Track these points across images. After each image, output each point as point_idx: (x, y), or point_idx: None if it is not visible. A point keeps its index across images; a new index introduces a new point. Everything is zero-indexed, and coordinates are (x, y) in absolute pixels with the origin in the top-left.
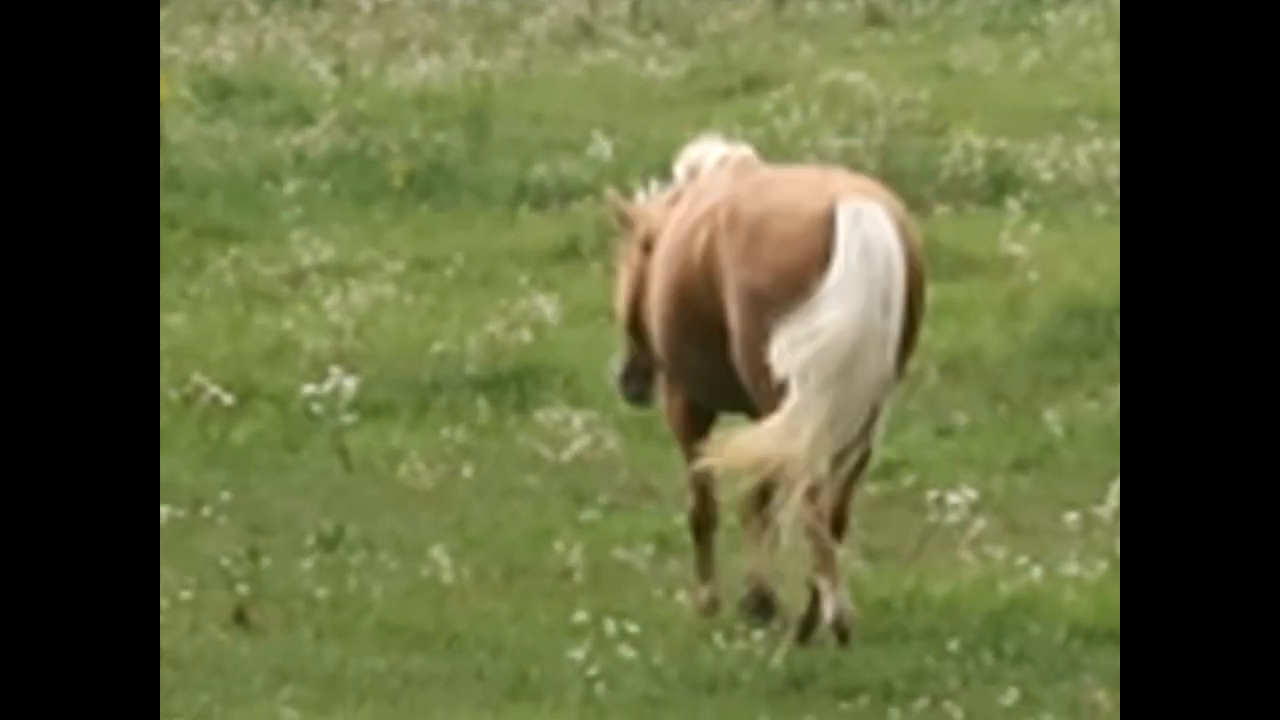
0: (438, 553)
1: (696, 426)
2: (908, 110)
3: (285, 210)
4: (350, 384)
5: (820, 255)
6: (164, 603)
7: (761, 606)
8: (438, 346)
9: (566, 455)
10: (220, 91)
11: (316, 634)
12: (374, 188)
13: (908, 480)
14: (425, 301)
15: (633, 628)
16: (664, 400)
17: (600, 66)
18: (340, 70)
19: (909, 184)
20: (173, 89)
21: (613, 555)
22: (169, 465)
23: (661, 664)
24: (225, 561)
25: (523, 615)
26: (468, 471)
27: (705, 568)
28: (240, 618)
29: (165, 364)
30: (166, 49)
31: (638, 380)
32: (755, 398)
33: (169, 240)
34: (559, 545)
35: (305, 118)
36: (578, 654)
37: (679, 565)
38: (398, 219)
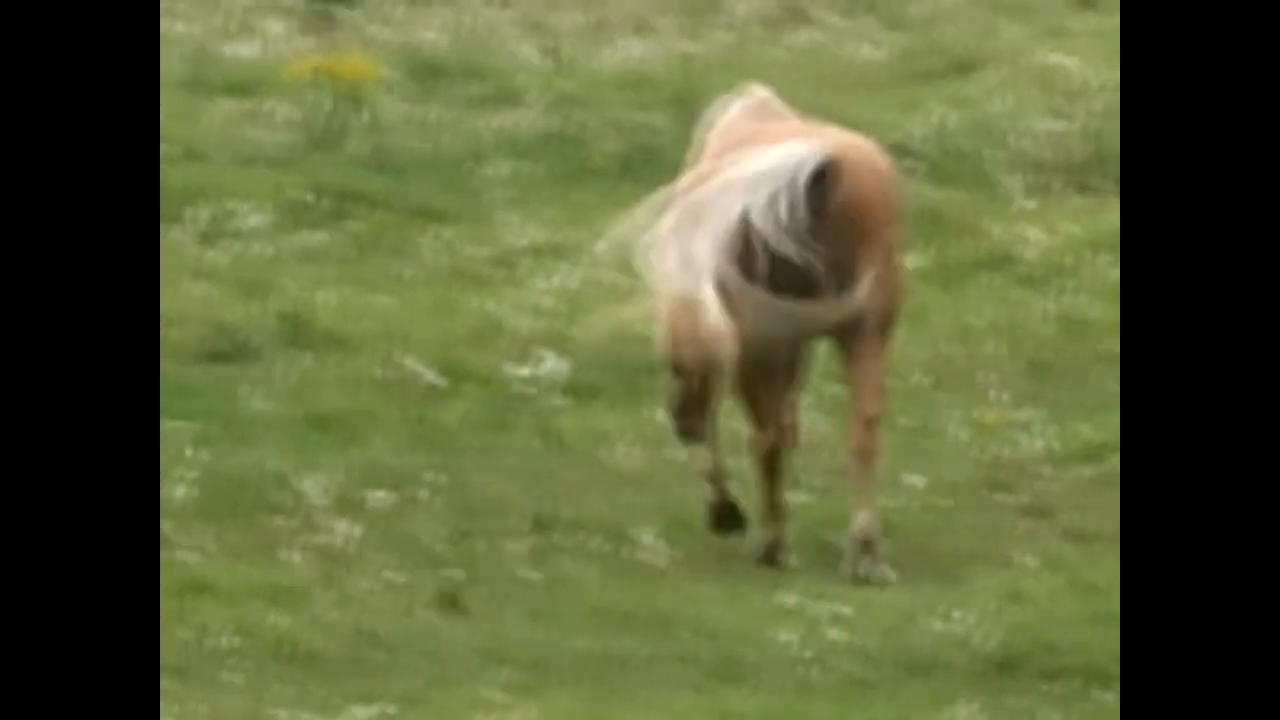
0: (646, 535)
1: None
2: (1118, 93)
3: (493, 191)
4: (559, 366)
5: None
6: (374, 585)
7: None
8: (645, 328)
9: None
10: (428, 72)
11: (526, 616)
12: (581, 169)
13: (1115, 463)
14: (635, 283)
15: (841, 610)
16: None
17: (808, 48)
18: (548, 52)
19: (1117, 167)
20: (381, 70)
21: (821, 538)
22: (377, 447)
23: (869, 646)
24: (435, 544)
25: (731, 598)
26: (676, 454)
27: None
28: (450, 600)
29: (372, 345)
30: (373, 29)
31: (689, 416)
32: None
33: (376, 221)
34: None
35: (513, 99)
36: (786, 636)
37: (889, 548)
38: (605, 200)
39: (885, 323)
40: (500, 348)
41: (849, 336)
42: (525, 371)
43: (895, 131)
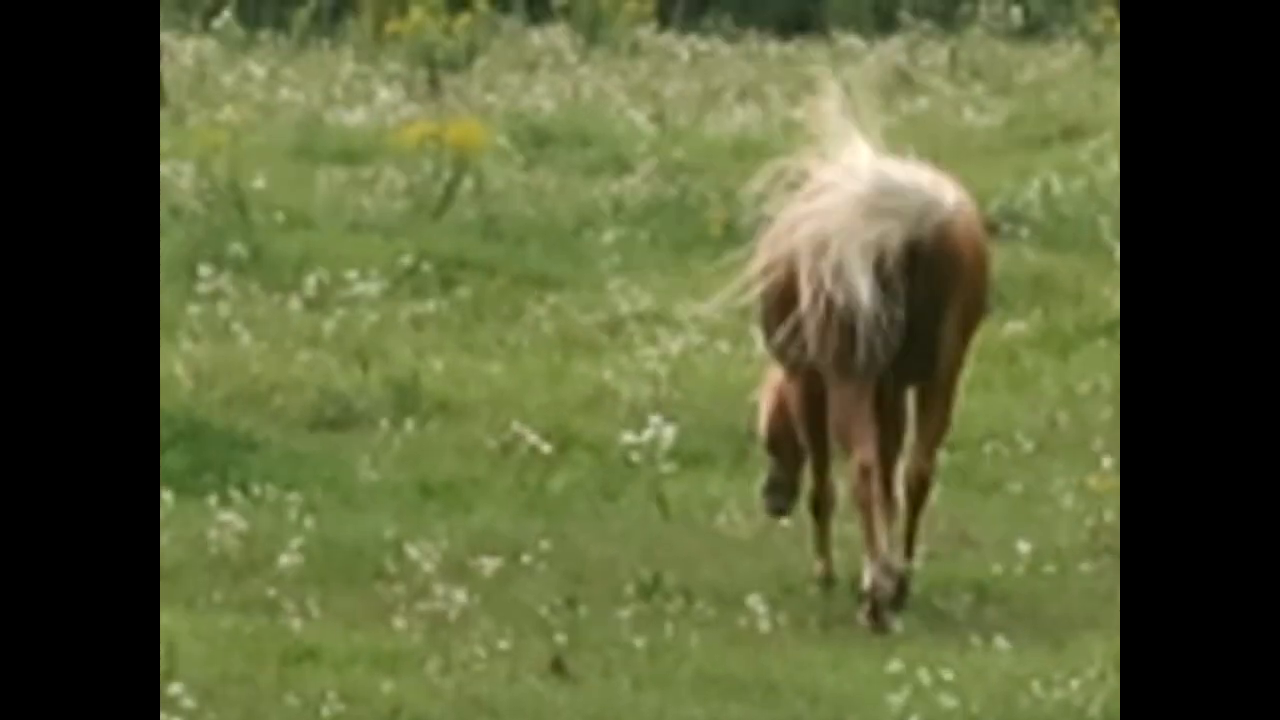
0: (755, 601)
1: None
2: None
3: (603, 258)
4: (669, 432)
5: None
6: (482, 651)
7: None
8: (755, 395)
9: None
10: (538, 139)
11: (634, 683)
12: (691, 236)
13: None
14: (742, 350)
15: (949, 675)
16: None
17: (918, 114)
18: (658, 118)
19: None
20: (491, 137)
21: (930, 603)
22: (487, 514)
23: (979, 711)
24: (543, 610)
25: (840, 664)
26: (785, 520)
27: (823, 544)
28: (558, 666)
29: (483, 412)
30: (485, 97)
31: (780, 496)
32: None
33: (486, 288)
34: None
35: (623, 166)
36: (896, 701)
37: (996, 613)
38: (714, 267)
39: (956, 372)
40: (610, 414)
41: (920, 386)
42: (634, 438)
43: (1006, 197)
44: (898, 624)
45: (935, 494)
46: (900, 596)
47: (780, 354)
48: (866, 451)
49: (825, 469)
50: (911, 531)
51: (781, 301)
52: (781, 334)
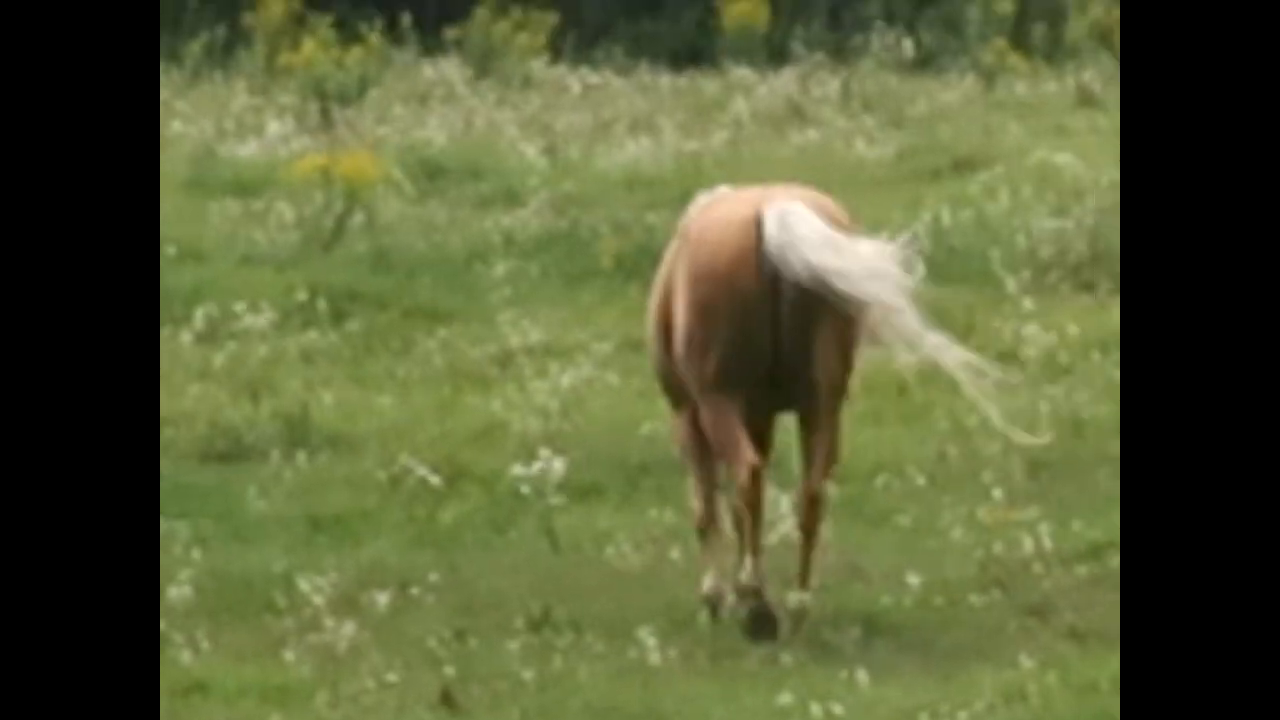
0: (645, 634)
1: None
2: (1118, 191)
3: (494, 291)
4: (559, 465)
5: (749, 253)
6: (371, 684)
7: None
8: (646, 428)
9: (773, 537)
10: (430, 172)
11: (523, 715)
12: (583, 269)
13: (1114, 562)
14: (634, 383)
15: (839, 709)
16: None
17: (809, 146)
18: (549, 151)
19: (1117, 265)
20: (382, 169)
21: (820, 636)
22: (377, 547)
23: None
24: (433, 642)
25: (730, 697)
26: (676, 554)
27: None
28: (447, 699)
29: (373, 445)
30: (377, 130)
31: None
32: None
33: (377, 321)
34: None
35: (514, 199)
36: None
37: (886, 647)
38: (607, 300)
39: (838, 391)
40: (500, 447)
41: (802, 408)
42: (525, 471)
43: (896, 229)
44: (787, 656)
45: (826, 527)
46: (796, 625)
47: (665, 384)
48: (751, 454)
49: (709, 494)
50: (807, 559)
51: (663, 325)
52: (664, 363)
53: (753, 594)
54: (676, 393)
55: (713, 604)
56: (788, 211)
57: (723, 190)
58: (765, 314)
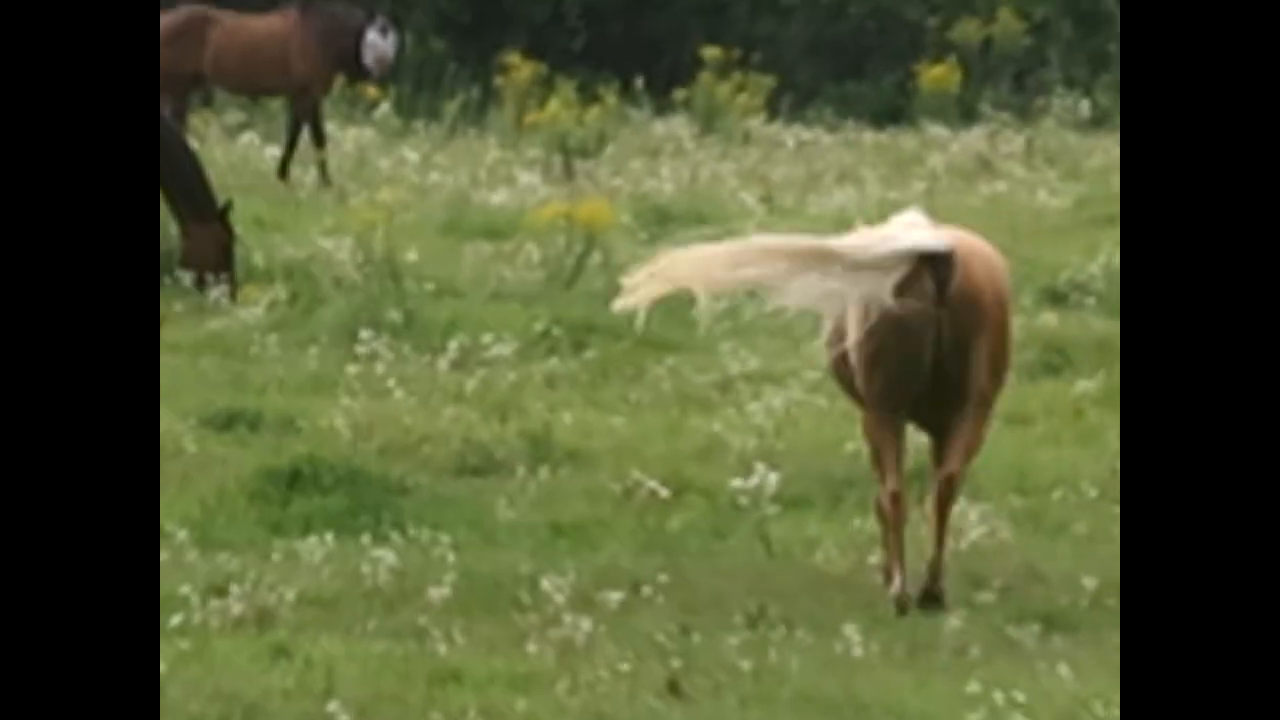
0: (849, 630)
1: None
2: None
3: (716, 326)
4: (773, 479)
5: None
6: (605, 674)
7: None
8: (850, 446)
9: (964, 543)
10: (659, 218)
11: (740, 702)
12: None
13: None
14: (839, 406)
15: (1021, 697)
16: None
17: (997, 196)
18: (766, 199)
19: None
20: (617, 216)
21: (1004, 633)
22: (611, 551)
23: None
24: (660, 637)
25: (923, 686)
26: (875, 558)
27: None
28: (674, 687)
29: (607, 461)
30: (613, 180)
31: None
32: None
33: (612, 350)
34: (955, 622)
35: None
36: (973, 718)
37: (1063, 642)
38: (814, 332)
39: (986, 399)
40: (720, 463)
41: (952, 412)
42: (742, 484)
43: (1074, 270)
44: (975, 650)
45: (1009, 534)
46: (936, 587)
47: (843, 386)
48: (894, 481)
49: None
50: (940, 540)
51: (838, 337)
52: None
53: (902, 603)
54: (855, 393)
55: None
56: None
57: (912, 216)
58: (927, 339)
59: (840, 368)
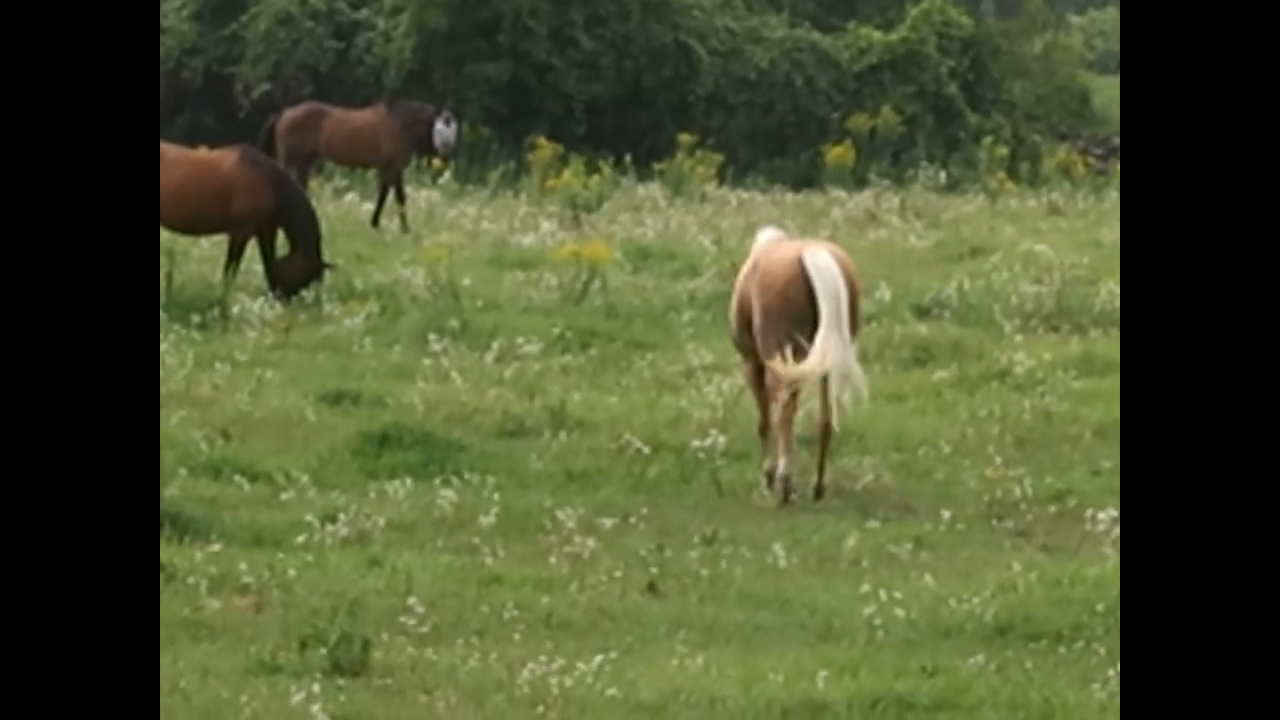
0: (777, 548)
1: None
2: (1075, 269)
3: (682, 331)
4: (722, 440)
5: (797, 279)
6: (604, 578)
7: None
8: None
9: (858, 486)
10: (642, 255)
11: (699, 599)
12: None
13: (1072, 503)
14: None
15: (898, 595)
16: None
17: (880, 240)
18: (717, 242)
19: (1074, 315)
20: (612, 254)
21: (886, 550)
22: (608, 492)
23: (917, 619)
24: (643, 552)
25: (829, 587)
26: (796, 497)
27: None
28: (652, 588)
29: (606, 427)
30: (609, 228)
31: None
32: (760, 353)
33: (609, 349)
34: (851, 543)
35: (694, 272)
36: (866, 611)
37: (929, 556)
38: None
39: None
40: (685, 428)
41: None
42: (700, 443)
43: (935, 293)
44: (865, 561)
45: (889, 479)
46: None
47: (739, 346)
48: (785, 394)
49: (765, 410)
50: (822, 458)
51: (741, 317)
52: (740, 335)
53: (785, 481)
54: (745, 351)
55: (770, 476)
56: (818, 253)
57: (771, 232)
58: (806, 313)
59: (743, 339)
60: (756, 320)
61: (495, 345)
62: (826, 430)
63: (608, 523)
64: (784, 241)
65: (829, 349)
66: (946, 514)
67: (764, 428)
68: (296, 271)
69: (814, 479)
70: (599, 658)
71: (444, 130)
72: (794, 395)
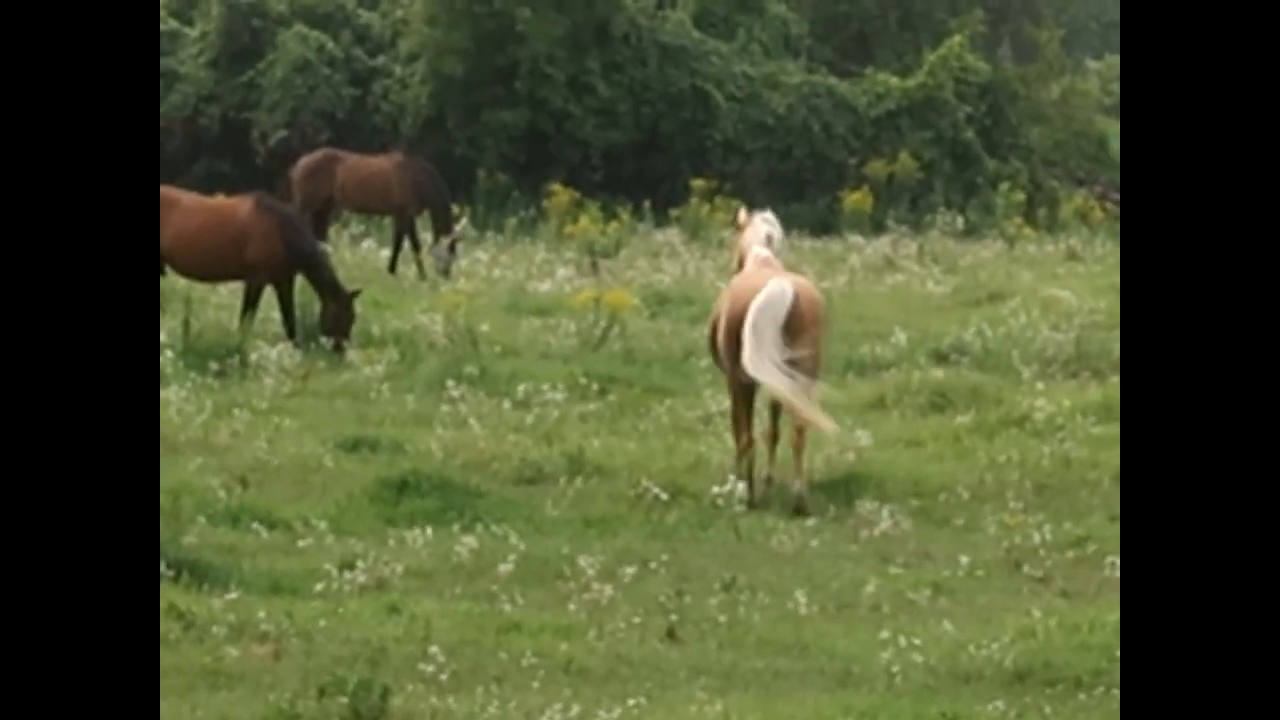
0: (797, 594)
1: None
2: (1093, 314)
3: (700, 376)
4: (741, 487)
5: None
6: (623, 625)
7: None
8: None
9: (876, 532)
10: (660, 301)
11: (719, 645)
12: None
13: (1091, 549)
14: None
15: (917, 641)
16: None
17: (898, 285)
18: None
19: (1093, 361)
20: (630, 299)
21: (905, 596)
22: (627, 538)
23: (936, 664)
24: (661, 598)
25: (848, 633)
26: (816, 542)
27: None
28: (671, 635)
29: (624, 473)
30: (627, 274)
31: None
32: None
33: (627, 395)
34: (870, 588)
35: None
36: (884, 656)
37: (947, 602)
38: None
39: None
40: (704, 474)
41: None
42: (719, 489)
43: (953, 338)
44: (886, 607)
45: (908, 525)
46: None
47: (716, 362)
48: (748, 434)
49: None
50: (798, 463)
51: (713, 337)
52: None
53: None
54: (721, 367)
55: (741, 478)
56: (773, 292)
57: (763, 228)
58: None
59: (715, 357)
60: (720, 336)
61: (515, 391)
62: (797, 447)
63: (627, 569)
64: (766, 268)
65: (748, 363)
66: (965, 560)
67: (743, 442)
68: (336, 315)
69: (832, 529)
70: (618, 705)
71: (440, 251)
72: (751, 441)
